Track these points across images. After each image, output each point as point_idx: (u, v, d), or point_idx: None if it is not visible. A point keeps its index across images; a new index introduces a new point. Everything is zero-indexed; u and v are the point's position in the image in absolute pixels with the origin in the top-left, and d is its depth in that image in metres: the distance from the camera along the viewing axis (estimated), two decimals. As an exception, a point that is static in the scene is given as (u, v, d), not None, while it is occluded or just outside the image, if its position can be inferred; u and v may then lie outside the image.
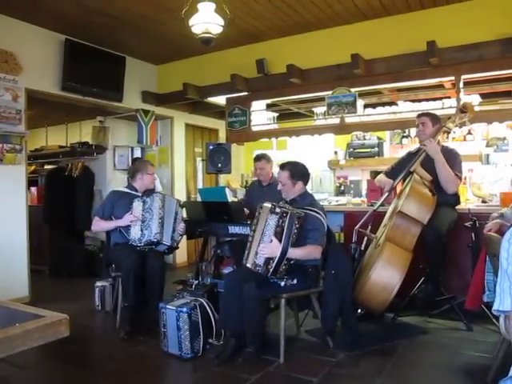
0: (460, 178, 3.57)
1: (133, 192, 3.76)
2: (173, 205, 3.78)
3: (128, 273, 3.33)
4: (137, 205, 3.60)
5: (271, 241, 2.80)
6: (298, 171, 3.13)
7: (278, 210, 2.82)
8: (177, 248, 3.87)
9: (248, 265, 2.90)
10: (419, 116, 3.77)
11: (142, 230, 3.56)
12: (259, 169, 4.37)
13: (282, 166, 3.19)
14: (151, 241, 3.55)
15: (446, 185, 3.49)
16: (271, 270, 2.81)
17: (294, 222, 2.81)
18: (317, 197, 5.17)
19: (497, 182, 4.18)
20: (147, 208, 3.60)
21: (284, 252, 2.78)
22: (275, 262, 2.78)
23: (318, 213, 2.99)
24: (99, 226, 3.71)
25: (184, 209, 4.08)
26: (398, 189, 3.78)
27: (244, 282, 2.83)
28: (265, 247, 2.81)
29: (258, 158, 4.38)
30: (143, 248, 3.54)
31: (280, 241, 2.79)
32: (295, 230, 2.81)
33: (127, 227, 3.58)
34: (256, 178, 4.62)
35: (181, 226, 3.77)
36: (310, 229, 2.92)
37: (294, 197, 3.12)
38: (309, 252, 2.89)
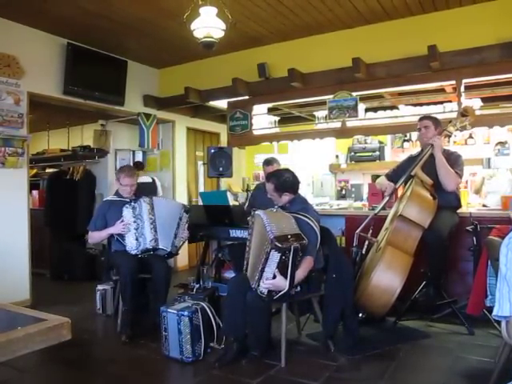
0: (460, 176, 3.54)
1: (122, 198, 3.72)
2: (176, 209, 3.76)
3: (125, 278, 3.33)
4: (127, 212, 3.58)
5: (274, 276, 2.65)
6: (282, 185, 3.06)
7: (279, 245, 2.59)
8: (176, 254, 3.84)
9: (250, 281, 2.83)
10: (421, 119, 3.76)
11: (137, 239, 3.54)
12: None
13: (268, 178, 3.16)
14: (147, 248, 3.55)
15: (445, 181, 3.45)
16: (275, 297, 2.72)
17: (298, 253, 2.68)
18: (318, 200, 5.24)
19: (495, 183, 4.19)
20: (137, 214, 3.59)
21: (291, 285, 2.67)
22: (282, 293, 2.68)
23: (310, 219, 2.92)
24: (94, 237, 3.74)
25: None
26: (399, 193, 3.78)
27: (247, 288, 2.81)
28: (269, 284, 2.67)
29: (270, 163, 4.27)
30: (142, 256, 3.54)
31: (285, 275, 2.65)
32: (299, 259, 2.72)
33: (123, 236, 3.56)
34: (261, 182, 4.55)
35: (184, 233, 3.73)
36: None
37: (282, 204, 3.11)
38: (306, 267, 2.82)
